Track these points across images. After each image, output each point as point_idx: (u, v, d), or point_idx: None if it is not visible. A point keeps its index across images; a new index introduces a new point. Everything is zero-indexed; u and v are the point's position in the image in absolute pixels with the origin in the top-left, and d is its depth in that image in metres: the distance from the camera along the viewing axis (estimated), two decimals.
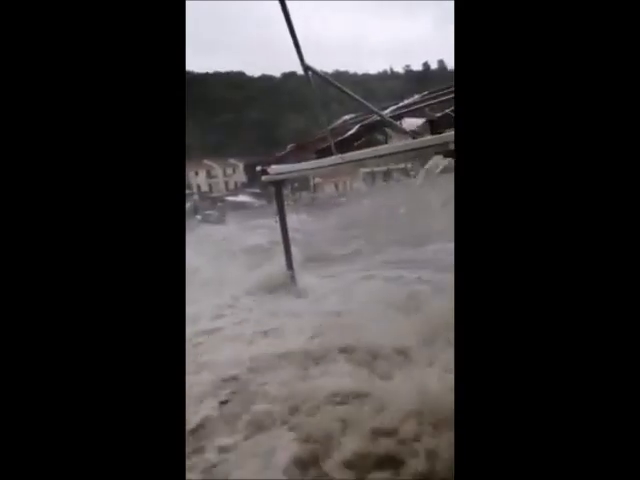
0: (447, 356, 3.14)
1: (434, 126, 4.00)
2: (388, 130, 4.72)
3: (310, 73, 3.35)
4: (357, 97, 3.89)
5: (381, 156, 4.50)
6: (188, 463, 2.30)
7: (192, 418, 2.73)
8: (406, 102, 5.19)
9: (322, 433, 2.46)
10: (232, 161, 48.22)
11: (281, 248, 5.92)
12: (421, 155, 4.36)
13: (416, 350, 3.41)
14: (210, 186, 45.68)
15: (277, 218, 5.88)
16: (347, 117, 6.02)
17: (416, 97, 5.34)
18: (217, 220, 20.95)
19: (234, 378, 3.34)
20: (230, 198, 33.81)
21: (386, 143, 4.75)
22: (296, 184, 32.93)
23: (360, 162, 4.84)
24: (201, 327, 4.49)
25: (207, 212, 24.11)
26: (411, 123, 4.31)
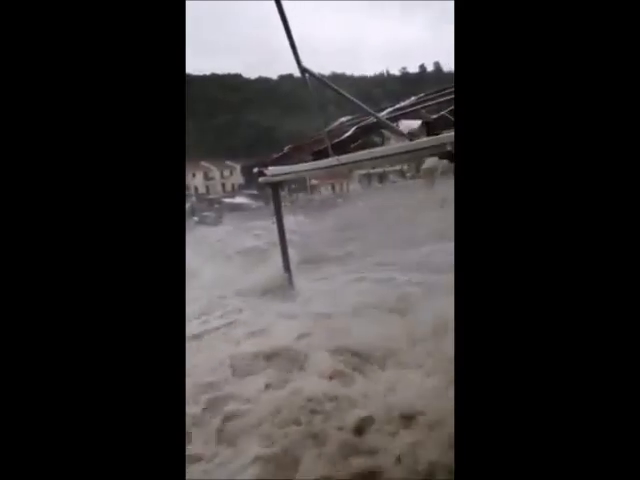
0: (431, 359, 3.17)
1: (430, 128, 4.01)
2: (384, 132, 4.73)
3: (307, 75, 3.36)
4: (354, 99, 3.90)
5: (377, 158, 4.51)
6: None
7: None
8: (402, 104, 5.20)
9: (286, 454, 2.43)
10: (229, 163, 48.15)
11: (278, 250, 5.92)
12: (417, 157, 4.37)
13: (402, 353, 3.41)
14: (207, 188, 45.58)
15: (274, 219, 5.88)
16: (344, 119, 6.03)
17: (412, 99, 5.36)
18: (214, 222, 20.90)
19: (211, 384, 3.32)
20: (227, 200, 33.74)
21: (382, 145, 4.76)
22: (293, 186, 32.88)
23: (356, 164, 4.85)
24: (191, 330, 4.48)
25: (204, 214, 24.05)
26: (407, 125, 4.33)
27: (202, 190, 44.13)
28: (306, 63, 3.28)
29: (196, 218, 21.60)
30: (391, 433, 2.49)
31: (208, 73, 65.85)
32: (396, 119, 4.50)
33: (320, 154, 4.82)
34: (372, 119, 4.58)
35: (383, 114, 4.65)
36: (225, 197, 36.67)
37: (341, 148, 4.61)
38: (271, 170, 5.55)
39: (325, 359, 3.47)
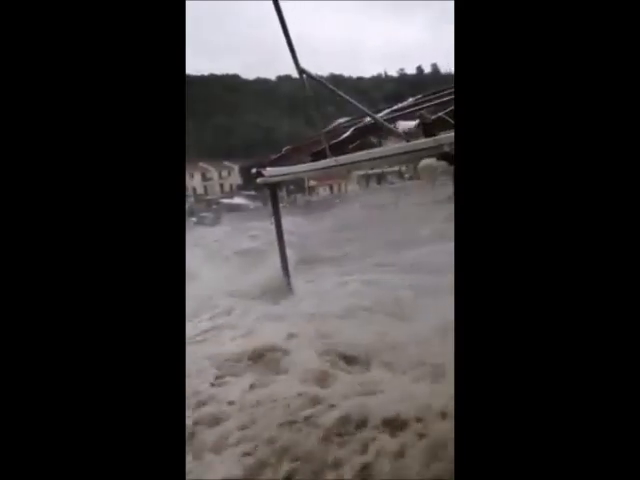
0: (418, 361, 3.16)
1: (427, 129, 4.03)
2: (382, 133, 4.74)
3: (305, 76, 3.37)
4: (352, 100, 3.92)
5: (375, 159, 4.52)
6: None
7: None
8: (400, 105, 5.21)
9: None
10: (227, 163, 48.10)
11: (276, 251, 5.92)
12: (415, 158, 4.38)
13: (388, 355, 3.41)
14: (205, 188, 45.51)
15: (272, 220, 5.88)
16: (342, 120, 6.03)
17: (410, 100, 5.37)
18: (212, 222, 20.89)
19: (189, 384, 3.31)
20: (225, 200, 33.72)
21: (380, 146, 4.77)
22: (291, 186, 32.91)
23: (354, 165, 4.86)
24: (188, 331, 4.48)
25: (202, 214, 24.03)
26: (405, 126, 4.34)
27: (200, 191, 44.07)
28: (304, 64, 3.30)
29: (194, 219, 21.58)
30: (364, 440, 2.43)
31: (206, 73, 65.90)
32: (394, 120, 4.52)
33: (318, 155, 4.83)
34: (370, 120, 4.59)
35: (381, 115, 4.66)
36: (223, 198, 36.64)
37: (339, 149, 4.62)
38: (269, 171, 5.55)
39: (312, 361, 3.47)
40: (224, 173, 48.39)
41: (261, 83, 69.66)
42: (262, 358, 3.65)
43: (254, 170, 5.75)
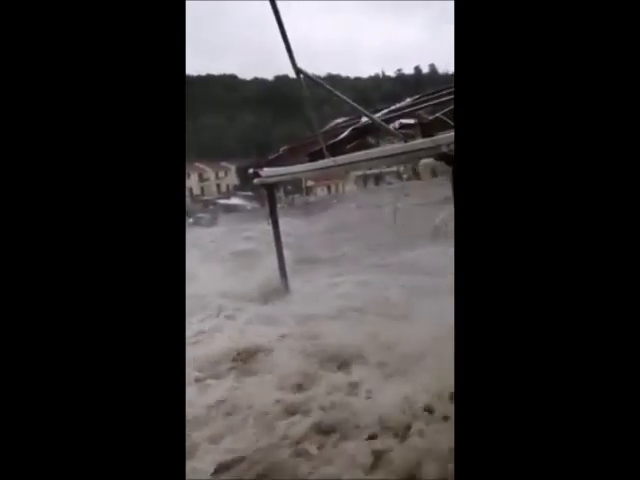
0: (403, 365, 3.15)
1: (425, 129, 4.02)
2: (380, 133, 4.74)
3: (302, 76, 3.35)
4: (349, 100, 3.91)
5: (373, 159, 4.51)
6: None
7: None
8: (398, 106, 5.21)
9: None
10: (224, 164, 48.10)
11: (273, 252, 5.90)
12: (413, 158, 4.38)
13: (375, 358, 3.41)
14: (202, 189, 45.50)
15: (269, 221, 5.87)
16: (339, 120, 6.03)
17: (408, 101, 5.37)
18: (209, 223, 20.89)
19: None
20: (222, 201, 33.72)
21: (378, 146, 4.77)
22: (289, 187, 32.92)
23: (352, 165, 4.85)
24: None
25: (199, 215, 24.01)
26: (403, 126, 4.33)
27: (197, 191, 44.05)
28: (302, 64, 3.29)
29: (191, 219, 21.54)
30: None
31: (203, 74, 65.89)
32: (391, 120, 4.51)
33: (316, 155, 4.82)
34: (367, 120, 4.58)
35: (378, 115, 4.65)
36: (220, 198, 36.63)
37: (337, 149, 4.61)
38: (266, 171, 5.54)
39: (298, 363, 3.46)
40: (221, 173, 48.39)
41: (258, 83, 69.71)
42: (249, 359, 3.65)
43: (251, 170, 5.75)
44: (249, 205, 28.81)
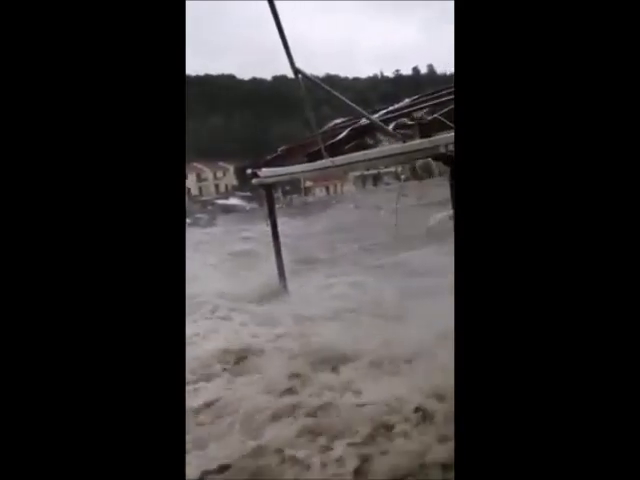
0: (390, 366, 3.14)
1: (424, 130, 4.02)
2: (378, 134, 4.73)
3: (300, 77, 3.35)
4: (347, 101, 3.91)
5: (371, 160, 4.51)
6: None
7: None
8: (396, 106, 5.21)
9: None
10: (222, 164, 48.05)
11: (271, 253, 5.89)
12: (411, 159, 4.38)
13: (368, 358, 3.40)
14: (200, 189, 45.46)
15: (268, 222, 5.86)
16: (338, 121, 6.03)
17: (406, 101, 5.37)
18: (207, 223, 20.86)
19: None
20: (220, 201, 33.67)
21: (376, 147, 4.76)
22: (287, 187, 32.91)
23: (350, 165, 4.85)
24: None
25: (197, 215, 23.95)
26: (401, 127, 4.33)
27: (195, 192, 43.99)
28: (300, 64, 3.28)
29: (189, 220, 21.48)
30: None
31: (202, 74, 65.81)
32: (390, 121, 4.51)
33: (314, 155, 4.81)
34: (366, 121, 4.58)
35: (376, 116, 4.65)
36: (218, 199, 36.58)
37: (335, 149, 4.60)
38: (264, 171, 5.53)
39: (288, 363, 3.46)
40: (219, 174, 48.36)
41: (257, 83, 69.67)
42: (241, 361, 3.65)
43: (249, 171, 5.74)
44: (247, 205, 28.78)
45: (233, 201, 32.83)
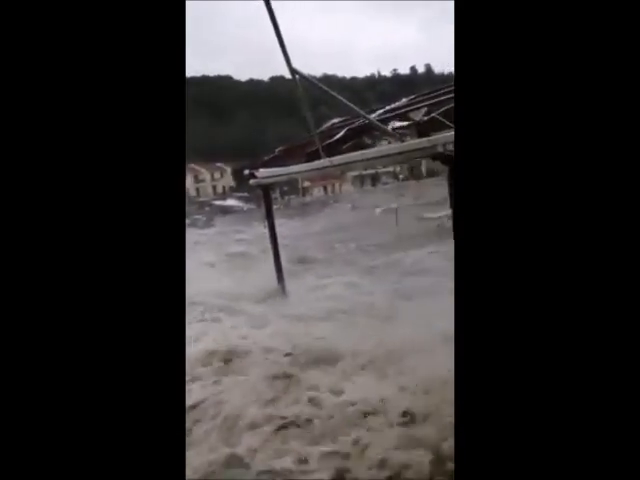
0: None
1: (421, 129, 4.02)
2: (376, 133, 4.73)
3: (297, 77, 3.34)
4: (345, 101, 3.90)
5: (369, 159, 4.51)
6: None
7: None
8: (393, 106, 5.21)
9: None
10: (219, 165, 48.04)
11: (269, 254, 5.88)
12: (408, 158, 4.38)
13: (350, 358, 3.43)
14: (197, 190, 45.42)
15: (266, 223, 5.85)
16: (335, 120, 6.03)
17: (404, 101, 5.36)
18: (205, 224, 20.87)
19: None
20: (218, 202, 33.67)
21: (374, 146, 4.76)
22: (285, 188, 32.94)
23: (348, 165, 4.84)
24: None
25: (195, 216, 23.93)
26: (398, 127, 4.33)
27: (192, 193, 43.93)
28: (297, 65, 3.27)
29: (186, 221, 21.43)
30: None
31: (198, 75, 65.78)
32: (387, 121, 4.51)
33: (312, 156, 4.81)
34: (363, 121, 4.57)
35: (374, 116, 4.65)
36: (216, 199, 36.59)
37: (333, 149, 4.60)
38: (262, 172, 5.52)
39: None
40: (216, 175, 48.35)
41: (254, 84, 69.71)
42: (231, 362, 3.66)
43: (247, 171, 5.73)
44: (245, 206, 28.80)
45: (230, 202, 32.83)
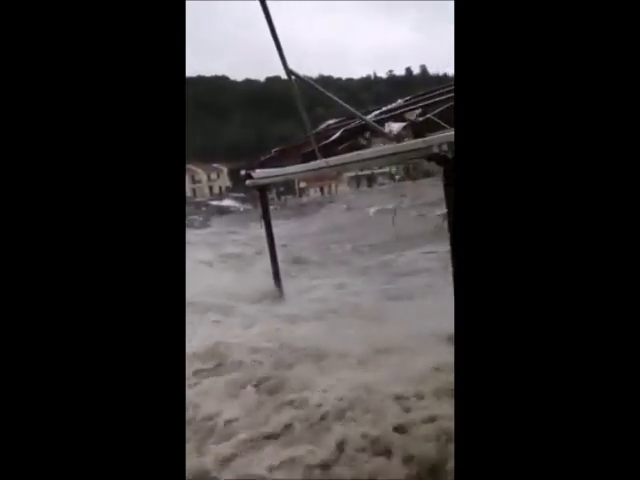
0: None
1: (416, 130, 4.03)
2: (372, 134, 4.74)
3: (293, 78, 3.35)
4: (341, 102, 3.91)
5: (365, 160, 4.51)
6: None
7: None
8: (389, 107, 5.22)
9: None
10: (216, 165, 47.90)
11: (265, 254, 5.88)
12: (404, 159, 4.39)
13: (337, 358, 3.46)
14: (194, 191, 45.24)
15: (262, 224, 5.84)
16: (331, 121, 6.03)
17: (399, 102, 5.38)
18: (201, 225, 20.81)
19: None
20: (214, 203, 33.59)
21: (370, 147, 4.77)
22: (281, 188, 32.91)
23: (344, 166, 4.85)
24: None
25: (191, 217, 23.85)
26: (394, 127, 4.34)
27: (189, 193, 43.73)
28: (293, 65, 3.27)
29: None
30: None
31: (194, 75, 65.55)
32: (383, 121, 4.52)
33: (308, 156, 4.81)
34: (359, 121, 4.58)
35: (370, 116, 4.66)
36: (212, 200, 36.49)
37: (329, 150, 4.61)
38: (258, 173, 5.52)
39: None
40: (213, 175, 48.18)
41: (250, 84, 69.55)
42: (223, 363, 3.69)
43: (243, 172, 5.72)
44: (242, 207, 28.75)
45: (227, 202, 32.76)
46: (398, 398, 2.72)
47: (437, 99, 4.27)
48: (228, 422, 2.77)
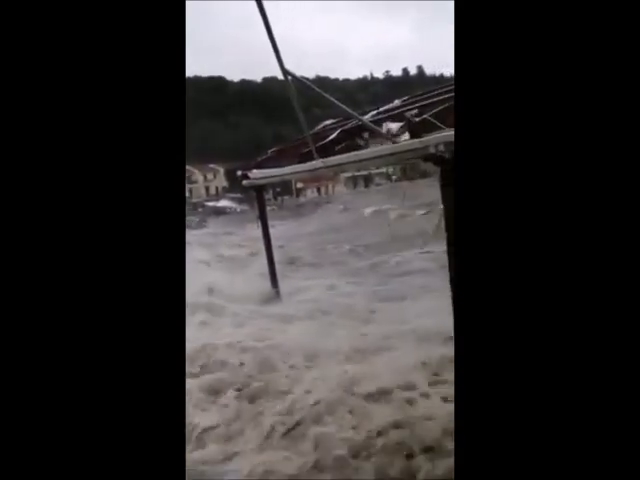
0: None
1: (413, 130, 4.04)
2: (369, 135, 4.74)
3: (290, 78, 3.34)
4: (337, 102, 3.90)
5: (362, 160, 4.51)
6: None
7: None
8: (386, 107, 5.23)
9: None
10: (212, 166, 47.82)
11: (262, 255, 5.87)
12: (401, 159, 4.39)
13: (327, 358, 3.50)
14: (190, 191, 45.14)
15: (259, 224, 5.84)
16: (328, 122, 6.03)
17: (396, 102, 5.38)
18: (197, 226, 20.77)
19: None
20: (211, 203, 33.53)
21: (366, 148, 4.77)
22: (278, 189, 32.89)
23: (341, 166, 4.85)
24: None
25: (188, 218, 23.77)
26: (391, 128, 4.34)
27: (185, 194, 43.66)
28: (290, 66, 3.26)
29: None
30: None
31: (191, 75, 65.45)
32: (380, 122, 4.52)
33: (305, 157, 4.81)
34: (356, 122, 4.58)
35: (367, 117, 4.66)
36: (209, 201, 36.43)
37: (325, 151, 4.60)
38: (255, 173, 5.51)
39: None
40: (209, 176, 48.10)
41: (246, 85, 69.50)
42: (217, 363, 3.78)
43: (240, 172, 5.71)
44: (238, 207, 28.72)
45: (224, 203, 32.71)
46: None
47: (434, 99, 4.27)
48: None
